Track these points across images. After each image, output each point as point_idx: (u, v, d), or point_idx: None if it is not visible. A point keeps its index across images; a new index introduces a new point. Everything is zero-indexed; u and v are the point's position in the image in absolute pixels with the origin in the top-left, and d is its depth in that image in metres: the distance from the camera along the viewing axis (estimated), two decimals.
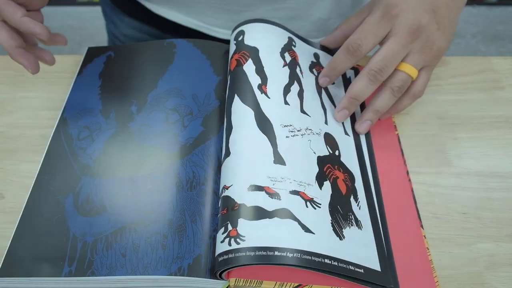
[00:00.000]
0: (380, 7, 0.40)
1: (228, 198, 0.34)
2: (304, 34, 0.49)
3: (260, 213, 0.33)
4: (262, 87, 0.40)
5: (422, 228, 0.39)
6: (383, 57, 0.40)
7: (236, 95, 0.40)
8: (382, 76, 0.40)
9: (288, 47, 0.44)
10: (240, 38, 0.44)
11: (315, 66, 0.46)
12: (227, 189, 0.35)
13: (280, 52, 0.43)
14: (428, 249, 0.37)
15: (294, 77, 0.42)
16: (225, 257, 0.31)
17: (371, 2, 0.43)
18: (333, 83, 0.46)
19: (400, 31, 0.39)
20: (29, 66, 0.41)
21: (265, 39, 0.44)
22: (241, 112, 0.39)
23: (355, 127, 0.43)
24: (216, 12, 0.47)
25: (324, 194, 0.36)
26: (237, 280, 0.32)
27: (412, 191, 0.41)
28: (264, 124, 0.38)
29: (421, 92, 0.43)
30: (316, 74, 0.45)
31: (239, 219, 0.32)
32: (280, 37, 0.45)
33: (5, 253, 0.35)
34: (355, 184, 0.39)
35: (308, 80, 0.44)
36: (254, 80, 0.41)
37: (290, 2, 0.53)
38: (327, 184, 0.37)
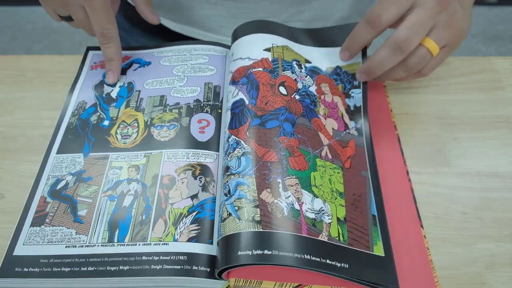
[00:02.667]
0: None
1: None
2: None
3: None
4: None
5: (422, 228, 0.38)
6: (410, 26, 0.37)
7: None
8: (408, 46, 0.37)
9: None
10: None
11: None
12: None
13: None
14: (428, 249, 0.37)
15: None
16: (225, 256, 0.31)
17: None
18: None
19: (428, 1, 0.37)
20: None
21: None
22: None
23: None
24: (236, 23, 0.47)
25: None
26: (237, 280, 0.32)
27: (412, 191, 0.41)
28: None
29: (430, 71, 0.41)
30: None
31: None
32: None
33: (5, 253, 0.35)
34: None
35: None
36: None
37: (313, 3, 0.53)
38: None
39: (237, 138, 0.37)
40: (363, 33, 0.40)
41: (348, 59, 0.43)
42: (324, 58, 0.46)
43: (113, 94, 0.46)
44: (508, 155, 0.45)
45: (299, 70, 0.43)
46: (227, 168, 0.36)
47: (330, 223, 0.34)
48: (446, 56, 0.42)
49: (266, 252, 0.30)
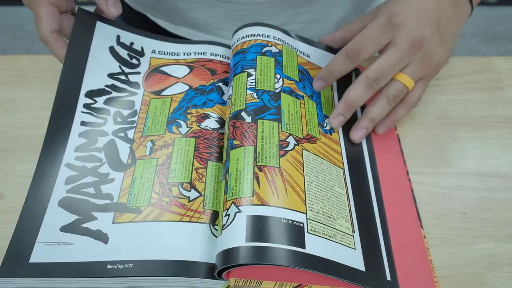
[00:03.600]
0: (384, 14, 0.40)
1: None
2: (326, 35, 0.49)
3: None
4: None
5: (422, 228, 0.39)
6: (381, 67, 0.39)
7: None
8: (377, 84, 0.40)
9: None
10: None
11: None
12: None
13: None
14: (428, 249, 0.37)
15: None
16: (225, 256, 0.31)
17: (376, 8, 0.43)
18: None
19: (401, 42, 0.39)
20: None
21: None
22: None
23: (350, 135, 0.43)
24: (235, 26, 0.47)
25: None
26: (237, 280, 0.32)
27: (412, 191, 0.41)
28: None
29: (415, 102, 0.43)
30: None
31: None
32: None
33: (5, 253, 0.35)
34: None
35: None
36: None
37: (312, 5, 0.53)
38: None
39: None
40: (341, 65, 0.41)
41: (322, 88, 0.43)
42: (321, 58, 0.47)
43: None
44: (508, 155, 0.45)
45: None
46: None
47: None
48: (426, 85, 0.43)
49: (263, 244, 0.31)
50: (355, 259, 0.34)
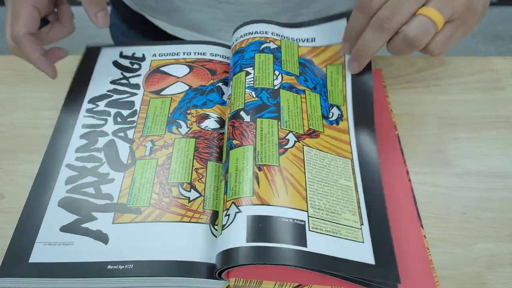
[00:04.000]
0: None
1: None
2: None
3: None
4: None
5: (422, 228, 0.39)
6: (393, 2, 0.34)
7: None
8: (390, 24, 0.35)
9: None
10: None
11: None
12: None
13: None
14: (428, 249, 0.37)
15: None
16: (225, 256, 0.31)
17: None
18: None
19: None
20: (52, 74, 0.44)
21: None
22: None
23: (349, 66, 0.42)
24: (234, 27, 0.47)
25: None
26: (237, 280, 0.32)
27: (412, 191, 0.41)
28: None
29: (439, 48, 0.35)
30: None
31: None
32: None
33: (5, 253, 0.35)
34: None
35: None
36: None
37: (311, 6, 0.53)
38: None
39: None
40: (357, 20, 0.39)
41: (349, 49, 0.41)
42: (326, 33, 0.46)
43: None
44: (508, 155, 0.45)
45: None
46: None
47: None
48: (459, 33, 0.36)
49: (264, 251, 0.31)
50: (363, 253, 0.33)
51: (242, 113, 0.39)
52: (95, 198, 0.38)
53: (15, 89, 0.51)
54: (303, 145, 0.38)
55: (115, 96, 0.45)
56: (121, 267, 0.33)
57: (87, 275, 0.33)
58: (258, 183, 0.34)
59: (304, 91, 0.42)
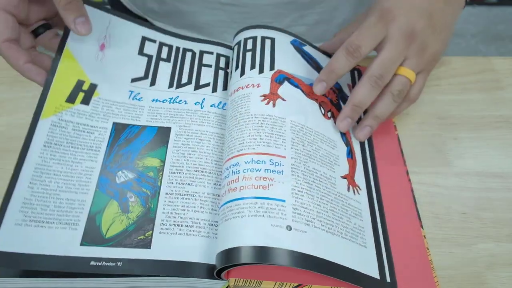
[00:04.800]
0: (375, 13, 0.40)
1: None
2: (329, 37, 0.48)
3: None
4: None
5: (422, 228, 0.39)
6: (382, 63, 0.39)
7: None
8: (382, 81, 0.40)
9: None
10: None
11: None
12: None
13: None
14: (428, 249, 0.37)
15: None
16: (224, 255, 0.31)
17: (368, 9, 0.43)
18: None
19: (395, 37, 0.39)
20: (41, 82, 0.41)
21: None
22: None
23: (355, 134, 0.43)
24: (238, 29, 0.47)
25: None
26: (236, 280, 0.32)
27: (412, 191, 0.41)
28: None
29: (417, 95, 0.43)
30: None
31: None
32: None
33: None
34: None
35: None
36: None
37: (316, 7, 0.53)
38: None
39: None
40: (342, 62, 0.40)
41: (324, 91, 0.42)
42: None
43: None
44: (508, 155, 0.45)
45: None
46: None
47: None
48: (426, 78, 0.43)
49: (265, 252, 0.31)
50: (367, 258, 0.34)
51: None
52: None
53: (15, 89, 0.51)
54: None
55: None
56: (111, 264, 0.33)
57: (72, 269, 0.33)
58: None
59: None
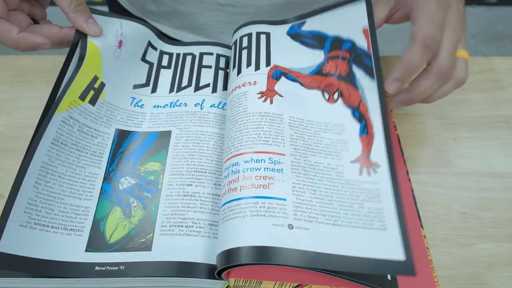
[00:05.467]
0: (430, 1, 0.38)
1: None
2: None
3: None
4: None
5: (422, 228, 0.39)
6: (449, 54, 0.37)
7: None
8: (451, 73, 0.38)
9: None
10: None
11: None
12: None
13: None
14: (428, 249, 0.37)
15: None
16: (225, 256, 0.31)
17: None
18: None
19: (453, 22, 0.38)
20: (42, 42, 0.38)
21: None
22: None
23: (385, 85, 0.39)
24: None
25: None
26: (236, 280, 0.32)
27: (412, 191, 0.41)
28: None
29: (466, 76, 0.40)
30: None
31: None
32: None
33: None
34: None
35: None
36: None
37: (315, 7, 0.53)
38: None
39: None
40: (422, 59, 0.37)
41: (397, 90, 0.39)
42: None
43: None
44: (508, 155, 0.45)
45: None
46: None
47: None
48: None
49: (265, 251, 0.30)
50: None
51: None
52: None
53: (15, 89, 0.51)
54: None
55: None
56: (114, 268, 0.33)
57: (77, 275, 0.33)
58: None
59: None
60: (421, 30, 0.37)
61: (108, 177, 0.38)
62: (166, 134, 0.41)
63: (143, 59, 0.46)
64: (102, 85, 0.41)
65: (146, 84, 0.45)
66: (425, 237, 0.38)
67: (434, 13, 0.37)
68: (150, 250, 0.34)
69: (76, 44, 0.41)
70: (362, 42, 0.41)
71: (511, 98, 0.50)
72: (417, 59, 0.37)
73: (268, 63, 0.42)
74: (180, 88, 0.45)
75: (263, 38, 0.44)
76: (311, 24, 0.45)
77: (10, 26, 0.37)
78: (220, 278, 0.33)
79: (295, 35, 0.45)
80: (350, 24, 0.43)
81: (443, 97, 0.40)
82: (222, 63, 0.47)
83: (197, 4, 0.53)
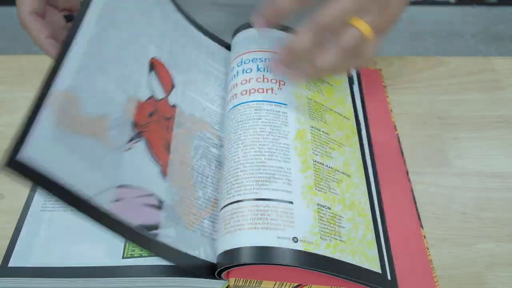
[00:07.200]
0: None
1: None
2: None
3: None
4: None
5: (422, 228, 0.39)
6: (333, 11, 0.34)
7: None
8: (328, 31, 0.35)
9: None
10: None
11: None
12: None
13: None
14: (428, 249, 0.37)
15: None
16: (225, 256, 0.31)
17: None
18: None
19: None
20: None
21: None
22: None
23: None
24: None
25: None
26: (236, 280, 0.32)
27: (412, 191, 0.41)
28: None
29: (370, 55, 0.37)
30: None
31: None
32: None
33: (4, 253, 0.35)
34: None
35: None
36: None
37: (317, 9, 0.53)
38: None
39: None
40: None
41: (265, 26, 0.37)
42: None
43: None
44: (508, 155, 0.45)
45: None
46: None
47: None
48: (381, 42, 0.38)
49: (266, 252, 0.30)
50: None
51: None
52: None
53: (15, 89, 0.51)
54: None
55: None
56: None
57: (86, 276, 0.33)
58: None
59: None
60: None
61: None
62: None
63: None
64: None
65: None
66: (425, 237, 0.38)
67: None
68: None
69: None
70: None
71: (511, 98, 0.50)
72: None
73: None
74: None
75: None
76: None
77: (42, 26, 0.38)
78: (220, 278, 0.33)
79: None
80: None
81: (328, 67, 0.36)
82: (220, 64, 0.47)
83: (196, 5, 0.53)
